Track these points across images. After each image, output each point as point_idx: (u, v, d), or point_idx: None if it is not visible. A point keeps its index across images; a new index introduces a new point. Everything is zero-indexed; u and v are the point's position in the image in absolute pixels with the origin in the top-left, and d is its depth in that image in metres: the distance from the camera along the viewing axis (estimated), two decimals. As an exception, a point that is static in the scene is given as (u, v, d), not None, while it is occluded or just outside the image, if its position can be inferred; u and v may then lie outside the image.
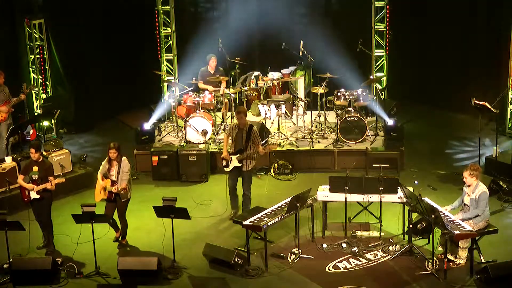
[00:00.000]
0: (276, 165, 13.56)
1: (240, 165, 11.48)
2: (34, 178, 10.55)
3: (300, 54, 15.16)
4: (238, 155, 11.48)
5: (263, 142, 13.07)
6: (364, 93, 14.34)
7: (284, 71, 15.97)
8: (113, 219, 10.78)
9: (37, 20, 15.53)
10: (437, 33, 16.45)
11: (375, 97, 15.15)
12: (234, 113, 11.82)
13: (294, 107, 15.09)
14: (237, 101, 15.64)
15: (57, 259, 10.24)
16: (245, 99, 15.16)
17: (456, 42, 16.15)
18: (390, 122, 14.12)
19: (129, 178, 10.72)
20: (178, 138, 14.51)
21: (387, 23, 15.93)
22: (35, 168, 10.56)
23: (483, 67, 15.59)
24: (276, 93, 15.35)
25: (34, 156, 10.53)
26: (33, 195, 10.55)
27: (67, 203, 12.50)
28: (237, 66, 14.88)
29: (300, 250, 10.46)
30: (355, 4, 16.65)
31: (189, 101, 14.48)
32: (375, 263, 10.22)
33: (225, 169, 11.69)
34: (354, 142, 13.87)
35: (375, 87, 15.79)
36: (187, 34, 17.05)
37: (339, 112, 14.19)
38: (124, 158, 10.74)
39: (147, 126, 14.42)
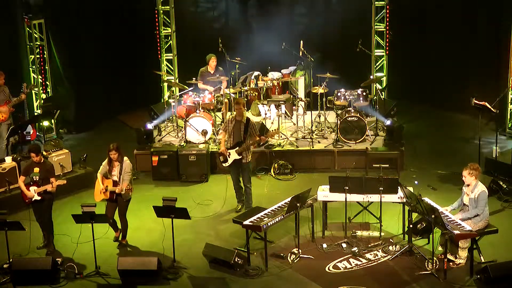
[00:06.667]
0: (276, 165, 13.57)
1: (240, 157, 11.58)
2: (35, 179, 10.56)
3: (300, 54, 15.17)
4: (237, 148, 11.53)
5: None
6: (364, 93, 14.33)
7: (284, 71, 15.96)
8: (113, 218, 10.79)
9: (37, 20, 15.56)
10: (437, 33, 16.45)
11: (375, 97, 15.16)
12: (234, 104, 11.88)
13: (294, 107, 15.09)
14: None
15: (57, 259, 10.24)
16: (245, 99, 15.14)
17: (456, 42, 16.14)
18: (387, 122, 14.15)
19: (130, 178, 10.72)
20: (178, 138, 14.51)
21: (387, 23, 15.94)
22: (36, 169, 10.57)
23: (483, 67, 15.59)
24: (276, 93, 15.35)
25: (35, 159, 10.54)
26: (34, 196, 10.56)
27: (67, 203, 12.50)
28: (237, 66, 14.88)
29: (300, 250, 10.45)
30: (355, 4, 16.66)
31: (189, 101, 14.48)
32: (375, 263, 10.21)
33: (224, 164, 11.79)
34: (354, 142, 13.87)
35: (375, 87, 15.80)
36: (187, 34, 17.06)
37: (339, 112, 14.19)
38: (125, 158, 10.76)
39: (150, 126, 14.46)
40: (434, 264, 9.87)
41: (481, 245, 10.03)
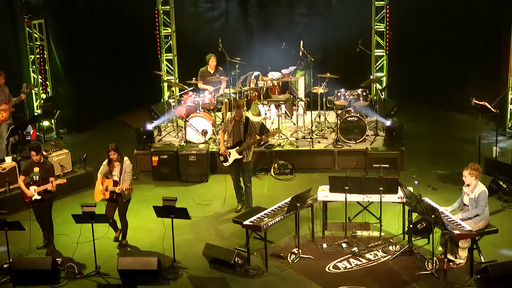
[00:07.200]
0: (276, 165, 13.56)
1: (241, 157, 11.60)
2: (35, 179, 10.56)
3: (300, 54, 15.16)
4: (237, 147, 11.55)
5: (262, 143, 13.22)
6: (364, 93, 14.32)
7: (284, 71, 15.97)
8: (113, 219, 10.79)
9: (37, 20, 15.55)
10: (437, 33, 16.45)
11: (375, 97, 15.15)
12: (234, 105, 11.95)
13: (294, 107, 15.09)
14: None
15: (57, 259, 10.25)
16: (245, 99, 15.15)
17: (456, 42, 16.15)
18: (387, 123, 14.15)
19: (131, 178, 10.72)
20: (178, 138, 14.51)
21: (387, 23, 15.94)
22: (36, 169, 10.57)
23: (483, 67, 15.58)
24: (276, 93, 15.35)
25: (35, 158, 10.54)
26: (34, 196, 10.56)
27: (67, 203, 12.51)
28: (237, 66, 14.88)
29: (300, 250, 10.45)
30: (355, 4, 16.66)
31: (189, 101, 14.48)
32: (375, 263, 10.21)
33: (224, 164, 11.80)
34: (354, 142, 13.87)
35: (375, 87, 15.79)
36: (187, 34, 17.06)
37: (339, 112, 14.19)
38: (126, 158, 10.75)
39: (150, 127, 14.44)
40: (434, 264, 9.87)
41: (481, 245, 10.03)
